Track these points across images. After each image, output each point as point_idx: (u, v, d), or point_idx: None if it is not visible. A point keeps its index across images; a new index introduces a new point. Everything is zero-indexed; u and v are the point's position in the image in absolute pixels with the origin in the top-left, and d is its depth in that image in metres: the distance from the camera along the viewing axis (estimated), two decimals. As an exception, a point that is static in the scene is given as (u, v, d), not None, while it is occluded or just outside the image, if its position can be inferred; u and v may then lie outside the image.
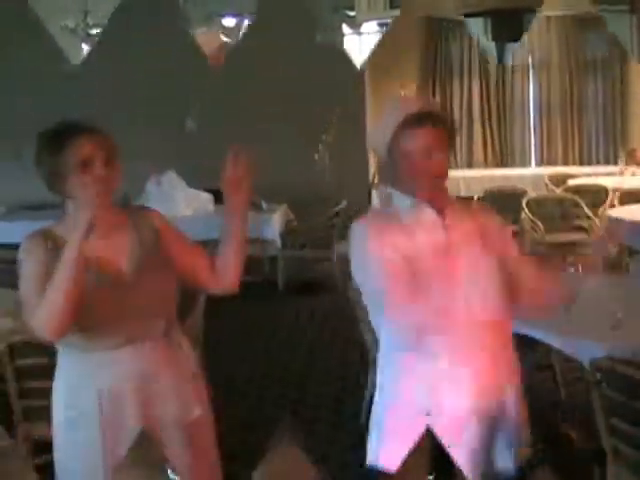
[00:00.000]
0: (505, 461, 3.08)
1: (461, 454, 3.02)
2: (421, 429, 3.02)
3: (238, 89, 11.57)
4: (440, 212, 3.02)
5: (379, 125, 3.08)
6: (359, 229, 3.11)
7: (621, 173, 12.76)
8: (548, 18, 14.45)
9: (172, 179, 10.14)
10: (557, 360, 5.58)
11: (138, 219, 3.14)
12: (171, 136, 11.67)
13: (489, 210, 3.29)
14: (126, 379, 3.00)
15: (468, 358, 2.97)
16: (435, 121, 2.98)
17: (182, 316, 3.27)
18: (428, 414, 3.00)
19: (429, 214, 3.00)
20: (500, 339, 3.05)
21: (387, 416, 3.09)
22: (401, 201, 3.05)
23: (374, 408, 3.19)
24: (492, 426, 3.03)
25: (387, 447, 3.09)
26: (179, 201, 9.88)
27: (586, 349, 4.21)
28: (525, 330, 4.62)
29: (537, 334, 4.68)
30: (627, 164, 13.07)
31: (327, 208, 10.22)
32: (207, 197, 10.05)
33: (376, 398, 3.17)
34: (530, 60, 14.99)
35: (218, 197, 9.87)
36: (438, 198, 3.02)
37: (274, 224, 9.86)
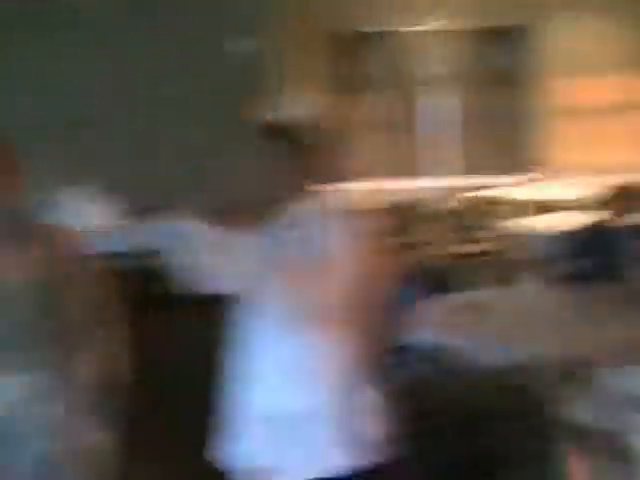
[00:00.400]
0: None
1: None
2: None
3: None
4: None
5: None
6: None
7: (523, 185, 13.01)
8: (452, 32, 14.60)
9: (83, 192, 9.98)
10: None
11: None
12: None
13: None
14: None
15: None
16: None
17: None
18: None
19: None
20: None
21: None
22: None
23: None
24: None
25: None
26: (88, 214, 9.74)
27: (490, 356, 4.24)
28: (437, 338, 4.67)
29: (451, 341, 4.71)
30: (532, 177, 13.33)
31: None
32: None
33: None
34: (439, 73, 15.10)
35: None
36: None
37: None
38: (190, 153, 11.37)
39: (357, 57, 14.96)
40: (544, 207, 10.45)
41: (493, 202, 11.12)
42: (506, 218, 10.64)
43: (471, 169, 14.98)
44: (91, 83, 11.29)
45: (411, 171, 15.12)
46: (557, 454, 3.64)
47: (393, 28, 14.27)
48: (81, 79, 11.20)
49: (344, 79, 14.82)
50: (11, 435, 2.92)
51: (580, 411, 3.66)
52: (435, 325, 4.79)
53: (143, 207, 10.23)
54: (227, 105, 11.40)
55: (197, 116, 11.44)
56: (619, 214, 6.51)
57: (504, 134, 15.05)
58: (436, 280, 6.34)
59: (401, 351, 3.52)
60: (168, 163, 11.31)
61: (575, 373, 3.91)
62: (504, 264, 10.24)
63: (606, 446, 3.62)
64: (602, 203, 6.76)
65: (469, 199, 11.57)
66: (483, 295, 5.25)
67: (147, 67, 11.40)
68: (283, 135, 2.86)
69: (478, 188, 12.48)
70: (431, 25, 13.72)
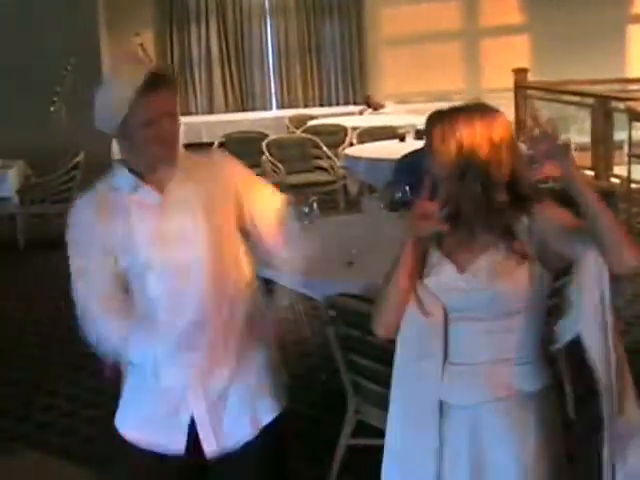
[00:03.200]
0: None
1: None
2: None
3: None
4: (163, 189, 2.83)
5: (105, 99, 2.82)
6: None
7: (360, 114, 13.12)
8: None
9: None
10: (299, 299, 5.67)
11: None
12: None
13: (227, 158, 3.05)
14: None
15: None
16: (169, 83, 2.77)
17: None
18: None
19: (151, 199, 2.81)
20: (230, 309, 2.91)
21: None
22: (123, 180, 2.83)
23: None
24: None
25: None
26: None
27: (320, 287, 4.26)
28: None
29: (275, 277, 4.71)
30: (365, 106, 13.48)
31: (66, 161, 9.92)
32: None
33: None
34: (267, 3, 15.04)
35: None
36: (166, 172, 2.82)
37: (10, 181, 9.51)
38: None
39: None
40: (375, 135, 10.55)
41: (330, 131, 11.16)
42: (338, 147, 10.71)
43: (306, 100, 15.04)
44: None
45: (252, 103, 15.10)
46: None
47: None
48: None
49: (173, 11, 14.60)
50: None
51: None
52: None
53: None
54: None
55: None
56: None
57: (336, 64, 15.15)
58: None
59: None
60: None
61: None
62: (339, 193, 10.36)
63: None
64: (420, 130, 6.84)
65: (306, 129, 11.58)
66: (316, 225, 5.23)
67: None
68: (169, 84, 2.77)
69: (312, 118, 12.51)
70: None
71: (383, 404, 3.95)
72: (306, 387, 5.29)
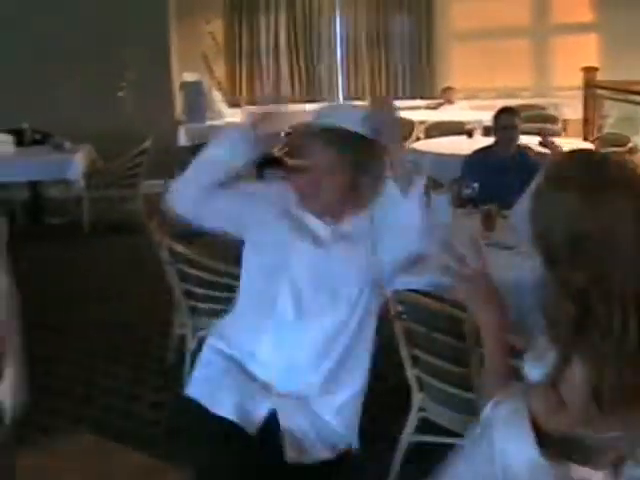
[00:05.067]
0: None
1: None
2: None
3: (31, 26, 11.07)
4: None
5: None
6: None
7: (434, 108, 13.03)
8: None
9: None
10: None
11: None
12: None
13: None
14: None
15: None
16: None
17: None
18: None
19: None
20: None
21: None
22: None
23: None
24: None
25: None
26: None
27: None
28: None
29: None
30: (441, 99, 13.37)
31: (133, 147, 9.99)
32: (6, 138, 9.71)
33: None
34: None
35: (19, 138, 9.68)
36: None
37: (77, 164, 9.58)
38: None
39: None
40: (442, 129, 10.48)
41: (402, 124, 11.09)
42: (405, 140, 10.64)
43: (368, 92, 14.97)
44: None
45: (319, 95, 15.06)
46: (472, 376, 3.67)
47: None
48: None
49: (239, 3, 14.60)
50: None
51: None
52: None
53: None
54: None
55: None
56: (505, 138, 6.57)
57: (405, 58, 15.05)
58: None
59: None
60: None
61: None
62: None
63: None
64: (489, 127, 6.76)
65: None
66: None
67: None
68: None
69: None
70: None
71: (447, 401, 3.94)
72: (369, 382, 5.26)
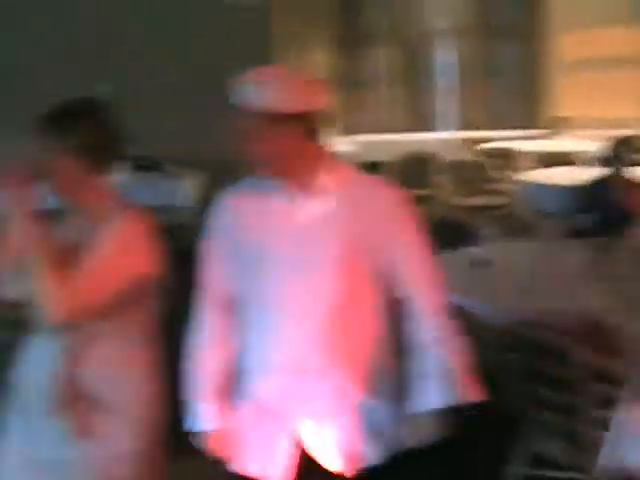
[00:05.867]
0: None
1: None
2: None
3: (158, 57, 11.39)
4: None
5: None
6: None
7: (542, 138, 12.93)
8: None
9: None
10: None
11: None
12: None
13: (389, 191, 2.89)
14: None
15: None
16: None
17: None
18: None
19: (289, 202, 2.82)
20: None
21: None
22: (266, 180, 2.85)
23: None
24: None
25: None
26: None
27: (498, 312, 4.23)
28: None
29: (452, 298, 4.70)
30: (551, 129, 13.25)
31: (238, 175, 10.12)
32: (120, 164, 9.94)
33: None
34: (445, 24, 15.00)
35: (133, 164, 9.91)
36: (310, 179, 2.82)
37: (185, 190, 9.78)
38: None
39: (359, 11, 14.85)
40: (554, 160, 10.40)
41: (504, 154, 11.05)
42: (516, 171, 10.58)
43: (481, 122, 14.93)
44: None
45: (421, 124, 15.08)
46: (582, 407, 3.63)
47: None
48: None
49: (347, 34, 14.73)
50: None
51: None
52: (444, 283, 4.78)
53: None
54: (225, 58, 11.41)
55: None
56: (621, 168, 6.48)
57: (514, 87, 14.98)
58: (446, 234, 6.31)
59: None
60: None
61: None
62: (513, 217, 10.22)
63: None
64: (606, 157, 6.69)
65: (480, 151, 11.50)
66: (492, 250, 5.20)
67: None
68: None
69: (488, 140, 12.42)
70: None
71: (559, 434, 3.91)
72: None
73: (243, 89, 2.71)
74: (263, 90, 2.68)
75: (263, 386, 2.83)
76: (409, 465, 2.96)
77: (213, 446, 2.92)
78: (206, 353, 2.90)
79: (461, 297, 4.65)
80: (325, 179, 2.79)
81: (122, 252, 2.88)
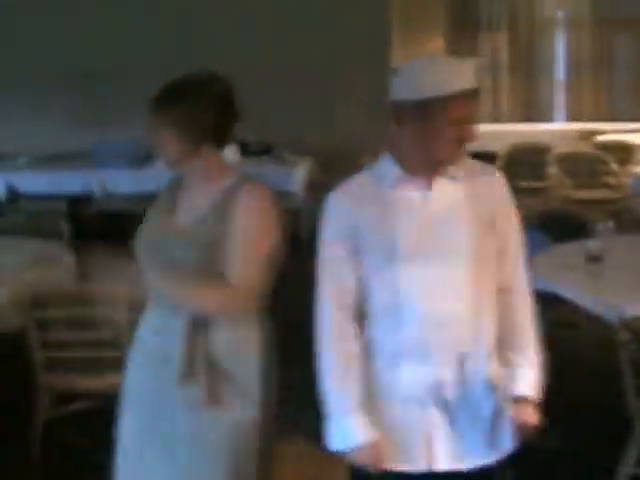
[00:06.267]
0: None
1: None
2: None
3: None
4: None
5: (436, 65, 2.79)
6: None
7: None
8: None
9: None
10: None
11: None
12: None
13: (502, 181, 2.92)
14: None
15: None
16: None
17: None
18: None
19: (417, 193, 2.78)
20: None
21: None
22: (388, 171, 2.80)
23: None
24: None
25: None
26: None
27: (615, 308, 4.15)
28: (551, 288, 4.58)
29: (565, 292, 4.64)
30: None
31: (353, 161, 10.12)
32: (231, 148, 10.03)
33: None
34: (560, 15, 14.79)
35: (244, 149, 9.97)
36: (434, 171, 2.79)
37: (297, 176, 9.81)
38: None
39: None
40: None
41: (620, 147, 10.84)
42: (633, 164, 10.37)
43: (597, 114, 14.68)
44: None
45: (538, 114, 14.91)
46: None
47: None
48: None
49: (460, 21, 14.62)
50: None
51: None
52: (550, 276, 4.72)
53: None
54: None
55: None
56: None
57: (630, 80, 14.70)
58: (560, 227, 6.22)
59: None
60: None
61: None
62: (629, 212, 10.00)
63: None
64: None
65: (596, 144, 11.30)
66: (606, 244, 5.11)
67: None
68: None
69: (604, 133, 12.20)
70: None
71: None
72: (583, 413, 5.12)
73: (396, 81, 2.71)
74: (414, 78, 2.69)
75: (402, 378, 2.79)
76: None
77: (368, 460, 2.79)
78: (342, 365, 2.81)
79: (573, 291, 4.59)
80: (452, 167, 2.78)
81: (266, 235, 3.04)
